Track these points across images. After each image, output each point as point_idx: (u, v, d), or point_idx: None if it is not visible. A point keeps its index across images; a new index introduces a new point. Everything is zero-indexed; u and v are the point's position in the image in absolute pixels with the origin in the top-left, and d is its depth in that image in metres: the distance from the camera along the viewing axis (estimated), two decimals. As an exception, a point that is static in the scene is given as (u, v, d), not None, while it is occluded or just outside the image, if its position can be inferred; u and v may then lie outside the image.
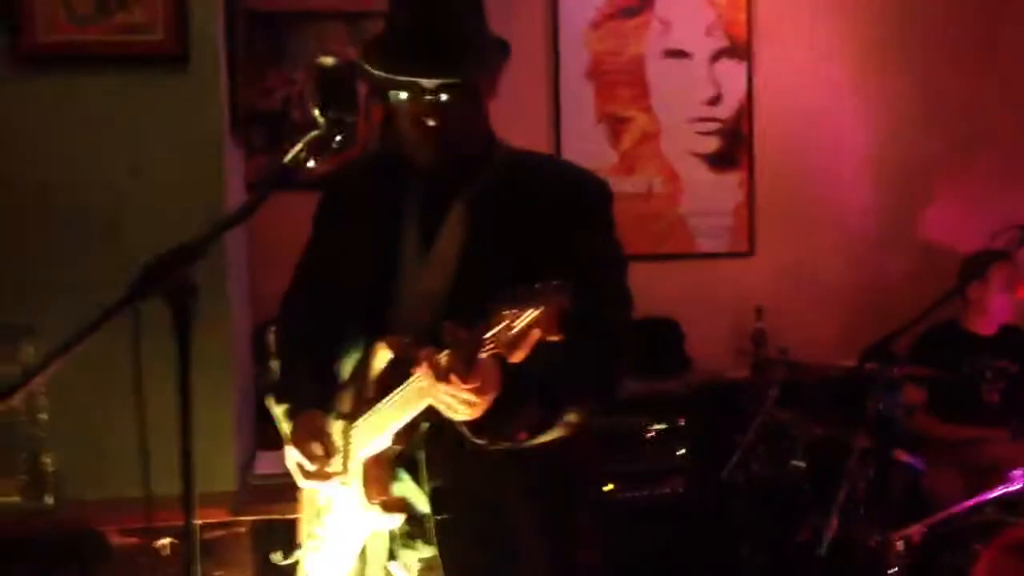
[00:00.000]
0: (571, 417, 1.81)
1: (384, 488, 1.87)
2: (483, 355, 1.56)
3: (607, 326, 1.85)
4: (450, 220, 1.91)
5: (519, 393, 1.71)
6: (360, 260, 1.97)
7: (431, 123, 1.83)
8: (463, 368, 1.59)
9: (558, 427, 1.81)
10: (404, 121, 1.87)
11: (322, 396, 1.98)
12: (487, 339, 1.53)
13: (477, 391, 1.64)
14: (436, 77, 1.80)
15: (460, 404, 1.67)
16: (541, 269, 1.71)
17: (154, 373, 1.57)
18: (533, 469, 1.87)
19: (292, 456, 1.96)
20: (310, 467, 1.92)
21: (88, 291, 2.10)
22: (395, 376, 1.80)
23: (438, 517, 1.87)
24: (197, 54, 2.90)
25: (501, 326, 1.51)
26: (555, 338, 1.50)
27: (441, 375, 1.62)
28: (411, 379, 1.73)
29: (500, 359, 1.59)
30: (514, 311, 1.50)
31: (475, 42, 1.88)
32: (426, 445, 1.87)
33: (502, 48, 1.93)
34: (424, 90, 1.81)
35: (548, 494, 1.93)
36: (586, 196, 1.95)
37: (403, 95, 1.85)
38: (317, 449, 1.91)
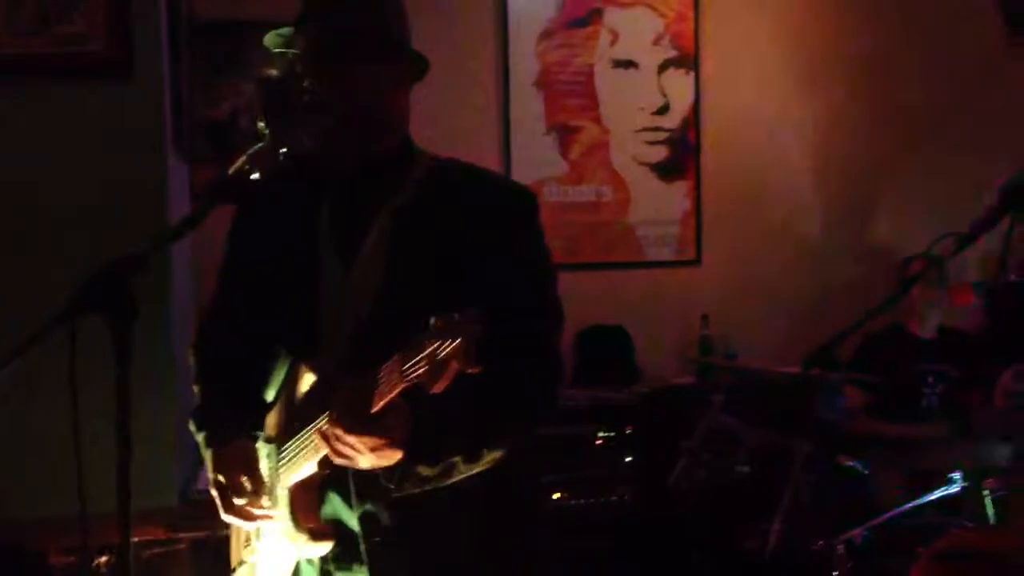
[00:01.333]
0: (494, 455, 1.75)
1: (312, 514, 1.83)
2: (401, 387, 1.51)
3: (535, 348, 1.79)
4: (372, 234, 1.83)
5: (431, 438, 1.66)
6: (278, 277, 1.90)
7: (306, 84, 1.76)
8: (355, 418, 1.57)
9: (479, 465, 1.75)
10: (293, 99, 1.80)
11: (244, 422, 1.91)
12: (406, 370, 1.48)
13: (372, 447, 1.60)
14: (316, 62, 1.76)
15: (354, 453, 1.62)
16: (467, 283, 1.69)
17: (94, 388, 1.56)
18: (467, 490, 1.78)
19: (216, 481, 1.88)
20: (238, 501, 1.85)
21: (29, 303, 2.08)
22: (320, 399, 1.75)
23: (370, 541, 1.81)
24: (140, 64, 2.88)
25: (419, 357, 1.46)
26: (473, 370, 1.45)
27: (334, 424, 1.59)
28: (320, 420, 1.68)
29: (412, 401, 1.56)
30: (432, 342, 1.45)
31: (376, 33, 1.82)
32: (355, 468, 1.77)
33: (416, 57, 1.86)
34: (307, 76, 1.76)
35: (485, 515, 1.86)
36: (513, 207, 1.89)
37: (296, 85, 1.79)
38: (246, 483, 1.84)
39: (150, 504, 2.46)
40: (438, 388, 1.47)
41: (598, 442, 4.18)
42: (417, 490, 1.71)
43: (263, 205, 1.94)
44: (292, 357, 1.88)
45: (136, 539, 1.79)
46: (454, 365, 1.44)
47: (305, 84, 1.78)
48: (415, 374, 1.48)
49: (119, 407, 1.52)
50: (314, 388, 1.82)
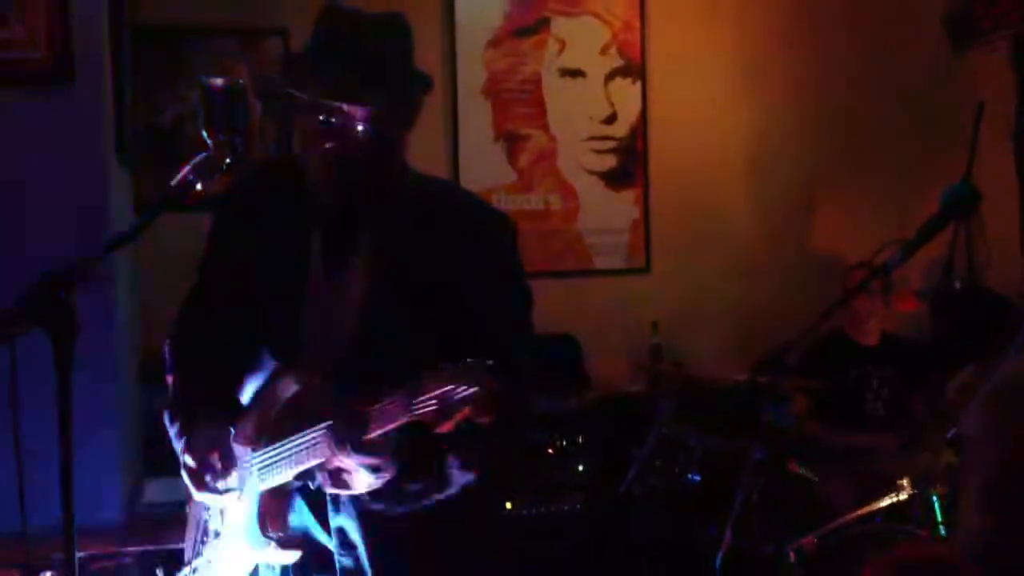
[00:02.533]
0: (469, 478, 1.79)
1: (281, 522, 1.84)
2: (404, 421, 1.54)
3: (508, 371, 1.78)
4: (358, 249, 1.87)
5: (416, 462, 1.71)
6: (264, 281, 1.92)
7: (328, 145, 1.79)
8: (360, 441, 1.60)
9: (454, 487, 1.80)
10: (305, 140, 1.84)
11: (218, 415, 1.92)
12: (415, 405, 1.51)
13: (374, 467, 1.64)
14: (339, 100, 1.77)
15: (354, 476, 1.67)
16: (447, 302, 1.73)
17: (36, 401, 1.53)
18: (439, 504, 1.83)
19: (188, 464, 1.89)
20: (208, 477, 1.86)
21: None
22: (299, 409, 1.77)
23: (344, 554, 1.83)
24: (81, 72, 2.83)
25: (430, 396, 1.49)
26: (485, 420, 1.50)
27: (340, 446, 1.63)
28: (311, 433, 1.71)
29: (407, 430, 1.58)
30: (448, 385, 1.48)
31: (391, 72, 1.84)
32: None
33: (424, 82, 1.90)
34: (326, 111, 1.78)
35: (456, 530, 1.89)
36: (498, 234, 1.95)
37: (308, 114, 1.81)
38: (216, 460, 1.86)
39: (95, 518, 2.41)
40: (442, 428, 1.51)
41: (550, 450, 4.18)
42: (405, 509, 1.76)
43: (248, 208, 1.97)
44: (273, 364, 1.88)
45: (81, 553, 1.75)
46: (466, 411, 1.48)
47: (327, 146, 1.79)
48: (423, 411, 1.51)
49: (61, 420, 1.49)
50: (295, 399, 1.82)
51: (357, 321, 1.83)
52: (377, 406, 1.58)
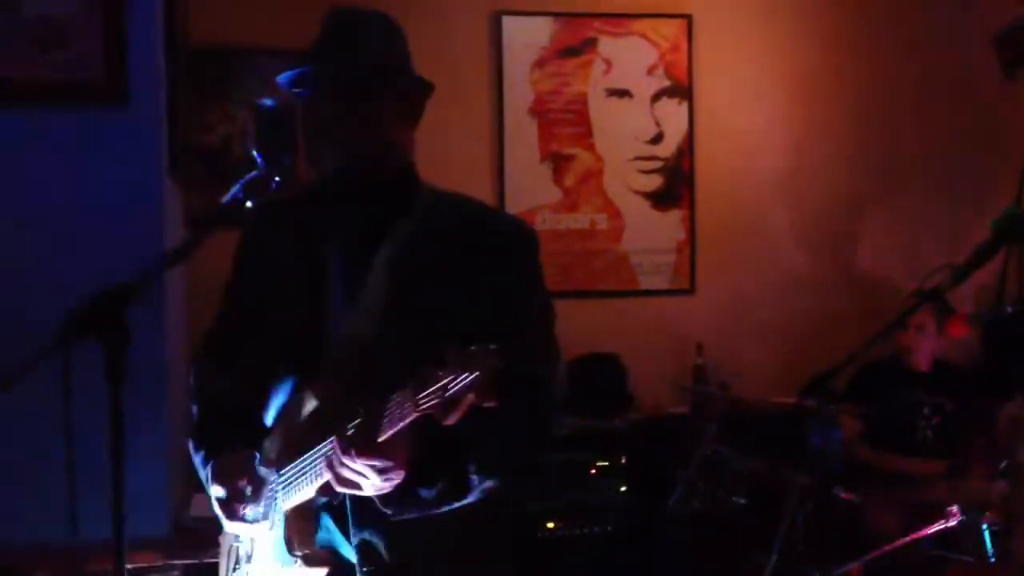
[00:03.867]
0: (488, 484, 1.76)
1: (308, 539, 1.83)
2: (413, 417, 1.52)
3: (534, 385, 1.79)
4: (377, 265, 1.85)
5: (431, 466, 1.68)
6: (284, 303, 1.92)
7: (328, 124, 1.80)
8: (366, 444, 1.58)
9: (474, 494, 1.76)
10: (308, 129, 1.84)
11: (243, 440, 1.91)
12: (420, 399, 1.49)
13: (381, 470, 1.62)
14: (346, 94, 1.79)
15: (360, 479, 1.65)
16: (469, 318, 1.70)
17: (87, 413, 1.55)
18: (461, 520, 1.80)
19: (216, 494, 1.88)
20: (238, 507, 1.86)
21: (25, 329, 2.06)
22: (321, 425, 1.76)
23: (365, 570, 1.81)
24: (137, 90, 2.88)
25: (434, 388, 1.47)
26: (490, 404, 1.46)
27: (344, 450, 1.61)
28: (327, 445, 1.70)
29: (417, 429, 1.56)
30: (449, 374, 1.46)
31: (388, 63, 1.86)
32: (352, 496, 1.78)
33: (424, 84, 1.90)
34: (325, 91, 1.79)
35: (482, 544, 1.88)
36: (515, 244, 1.91)
37: (315, 112, 1.82)
38: (245, 487, 1.85)
39: (143, 530, 2.44)
40: (451, 420, 1.48)
41: (592, 471, 4.16)
42: (415, 515, 1.72)
43: (270, 230, 1.97)
44: (294, 382, 1.88)
45: (129, 566, 1.77)
46: (470, 398, 1.45)
47: (323, 120, 1.80)
48: (428, 404, 1.49)
49: (112, 433, 1.51)
50: (315, 413, 1.83)
51: (375, 334, 1.82)
52: (385, 407, 1.57)
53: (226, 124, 4.36)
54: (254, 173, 1.76)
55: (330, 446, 1.68)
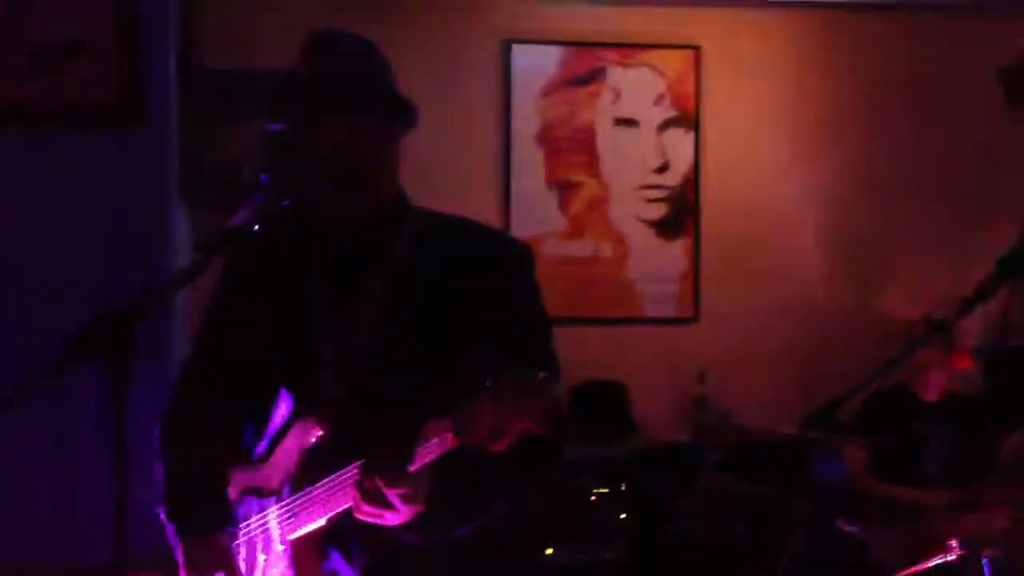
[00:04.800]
0: (499, 504, 1.76)
1: (314, 569, 1.81)
2: (455, 446, 1.52)
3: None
4: (366, 287, 1.82)
5: (451, 492, 1.67)
6: (274, 331, 1.88)
7: (323, 152, 1.78)
8: (397, 472, 1.58)
9: (486, 514, 1.76)
10: (299, 155, 1.81)
11: (217, 510, 1.84)
12: (466, 427, 1.48)
13: (404, 498, 1.62)
14: (333, 109, 1.78)
15: (386, 508, 1.64)
16: (464, 338, 1.69)
17: (91, 432, 1.55)
18: (465, 543, 1.78)
19: None
20: None
21: (32, 349, 2.07)
22: (330, 454, 1.75)
23: None
24: (149, 112, 2.90)
25: (490, 413, 1.46)
26: (544, 432, 1.45)
27: (376, 478, 1.61)
28: (346, 473, 1.69)
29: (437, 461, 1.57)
30: (509, 401, 1.44)
31: (379, 83, 1.84)
32: (356, 521, 1.74)
33: (409, 107, 1.86)
34: (320, 118, 1.79)
35: (485, 571, 1.86)
36: (508, 261, 1.88)
37: (304, 130, 1.81)
38: None
39: (147, 549, 2.44)
40: (503, 444, 1.47)
41: (593, 498, 4.15)
42: (433, 540, 1.71)
43: (256, 256, 1.92)
44: (290, 407, 1.86)
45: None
46: (527, 424, 1.44)
47: (304, 136, 1.79)
48: (477, 436, 1.48)
49: (115, 453, 1.51)
50: (322, 443, 1.80)
51: (372, 361, 1.80)
52: (417, 438, 1.56)
53: (234, 147, 4.38)
54: (263, 196, 1.77)
55: (349, 474, 1.67)
